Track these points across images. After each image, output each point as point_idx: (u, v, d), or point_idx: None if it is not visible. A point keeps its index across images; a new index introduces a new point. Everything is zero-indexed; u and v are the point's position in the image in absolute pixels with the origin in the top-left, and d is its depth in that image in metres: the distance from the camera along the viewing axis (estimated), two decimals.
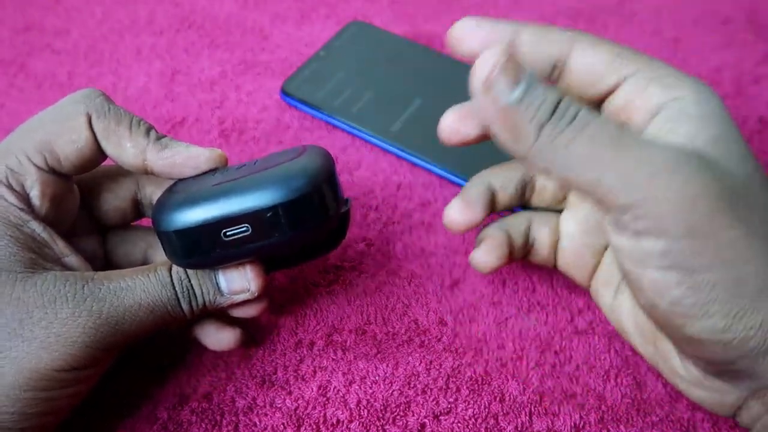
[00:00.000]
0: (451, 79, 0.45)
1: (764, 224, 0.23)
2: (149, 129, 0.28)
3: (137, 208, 0.32)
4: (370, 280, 0.36)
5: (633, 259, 0.24)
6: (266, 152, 0.42)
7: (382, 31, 0.48)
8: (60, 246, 0.27)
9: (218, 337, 0.30)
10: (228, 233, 0.25)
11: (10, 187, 0.26)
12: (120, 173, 0.31)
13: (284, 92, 0.44)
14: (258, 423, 0.30)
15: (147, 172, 0.28)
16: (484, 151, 0.40)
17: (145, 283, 0.26)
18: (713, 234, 0.22)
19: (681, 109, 0.24)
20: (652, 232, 0.22)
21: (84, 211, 0.31)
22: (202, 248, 0.26)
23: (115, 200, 0.31)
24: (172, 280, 0.27)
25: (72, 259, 0.27)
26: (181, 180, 0.28)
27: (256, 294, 0.28)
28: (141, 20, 0.52)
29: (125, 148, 0.27)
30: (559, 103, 0.23)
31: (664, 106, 0.24)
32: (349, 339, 0.33)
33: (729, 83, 0.46)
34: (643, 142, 0.23)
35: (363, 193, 0.40)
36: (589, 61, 0.25)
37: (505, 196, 0.31)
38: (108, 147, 0.27)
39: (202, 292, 0.27)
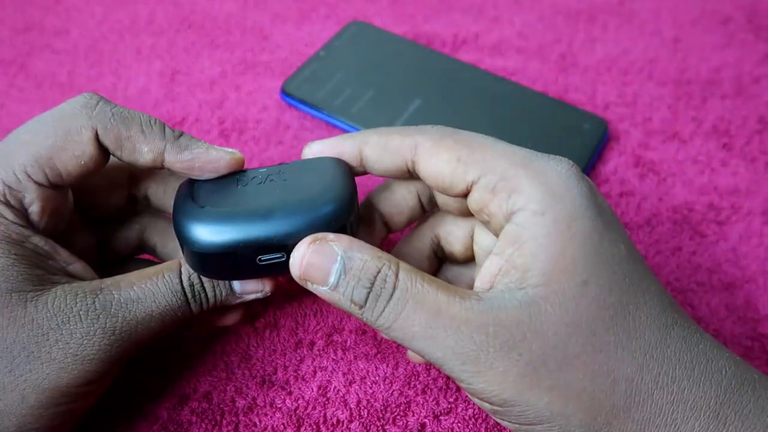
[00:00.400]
0: (451, 79, 0.45)
1: (588, 376, 0.22)
2: (163, 127, 0.27)
3: (131, 203, 0.32)
4: None
5: None
6: (266, 152, 0.42)
7: (382, 31, 0.48)
8: (63, 255, 0.27)
9: (224, 315, 0.31)
10: (263, 259, 0.25)
11: (8, 204, 0.25)
12: (113, 171, 0.30)
13: (284, 92, 0.44)
14: (258, 423, 0.30)
15: (161, 168, 0.28)
16: None
17: (155, 293, 0.26)
18: (528, 403, 0.22)
19: (518, 231, 0.23)
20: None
21: (76, 207, 0.30)
22: (232, 269, 0.26)
23: (109, 198, 0.31)
24: (182, 286, 0.27)
25: (76, 266, 0.27)
26: (198, 181, 0.28)
27: (269, 293, 0.28)
28: (141, 20, 0.52)
29: (142, 153, 0.27)
30: (377, 275, 0.23)
31: (510, 218, 0.24)
32: (349, 339, 0.33)
33: (729, 83, 0.46)
34: (464, 308, 0.22)
35: (363, 193, 0.40)
36: (433, 170, 0.25)
37: (401, 219, 0.30)
38: (123, 155, 0.27)
39: (215, 294, 0.28)
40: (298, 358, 0.32)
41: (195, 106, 0.45)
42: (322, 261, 0.23)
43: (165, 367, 0.32)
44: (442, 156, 0.25)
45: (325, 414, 0.31)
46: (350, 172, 0.28)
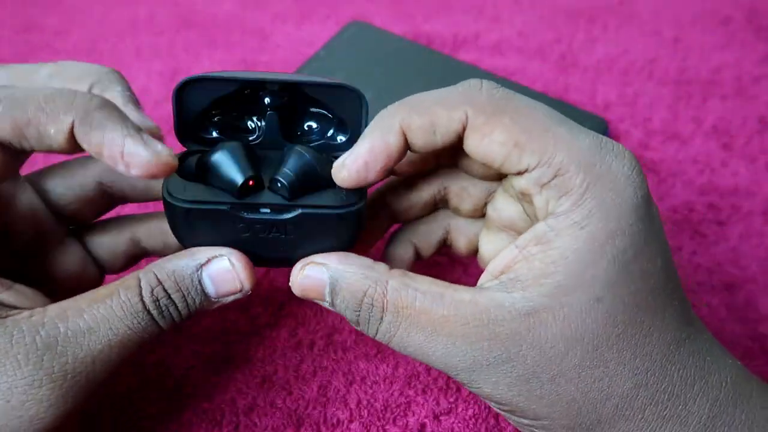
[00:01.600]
0: (451, 79, 0.45)
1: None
2: (72, 97, 0.21)
3: (106, 195, 0.28)
4: None
5: None
6: None
7: (382, 31, 0.48)
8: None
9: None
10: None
11: None
12: (73, 162, 0.27)
13: None
14: (258, 423, 0.30)
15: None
16: None
17: (111, 319, 0.22)
18: (516, 405, 0.22)
19: (549, 236, 0.21)
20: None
21: (50, 217, 0.27)
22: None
23: (72, 189, 0.27)
24: (144, 303, 0.23)
25: (8, 294, 0.23)
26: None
27: (249, 292, 0.25)
28: (141, 20, 0.52)
29: (50, 135, 0.21)
30: (363, 299, 0.23)
31: (547, 217, 0.22)
32: (349, 339, 0.33)
33: (729, 83, 0.46)
34: (460, 321, 0.22)
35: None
36: (485, 150, 0.22)
37: (428, 247, 0.29)
38: (32, 144, 0.21)
39: (188, 304, 0.24)
40: (299, 358, 0.33)
41: None
42: (313, 284, 0.24)
43: (165, 367, 0.32)
44: (497, 137, 0.22)
45: (325, 414, 0.31)
46: (365, 224, 0.26)
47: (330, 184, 0.25)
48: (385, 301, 0.22)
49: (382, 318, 0.23)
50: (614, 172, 0.21)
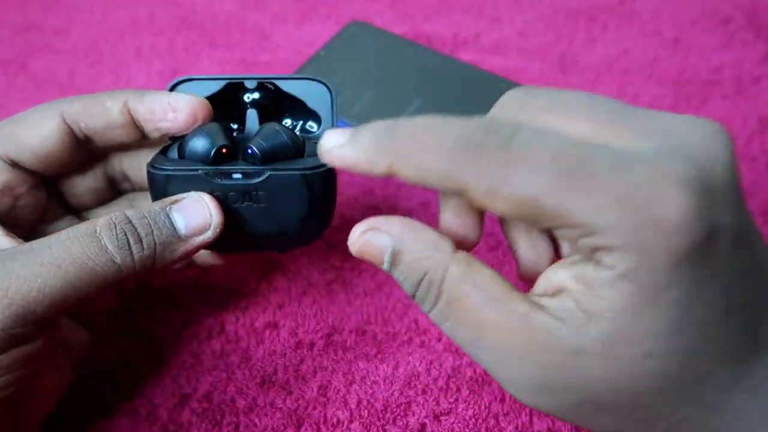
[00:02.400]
0: (451, 79, 0.45)
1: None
2: (124, 89, 0.28)
3: (112, 186, 0.31)
4: (370, 280, 0.36)
5: None
6: None
7: (382, 31, 0.48)
8: None
9: (212, 256, 0.30)
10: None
11: None
12: (86, 156, 0.30)
13: None
14: (258, 423, 0.30)
15: (137, 129, 0.28)
16: None
17: (60, 240, 0.23)
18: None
19: (595, 282, 0.19)
20: None
21: (55, 198, 0.30)
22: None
23: (84, 181, 0.30)
24: (97, 229, 0.23)
25: (3, 240, 0.26)
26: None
27: (219, 229, 0.25)
28: (141, 20, 0.52)
29: (108, 108, 0.27)
30: (422, 280, 0.21)
31: (593, 261, 0.20)
32: (349, 339, 0.33)
33: (729, 83, 0.46)
34: (508, 333, 0.21)
35: (363, 193, 0.40)
36: (496, 212, 0.20)
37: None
38: (92, 120, 0.27)
39: (152, 234, 0.24)
40: (299, 358, 0.32)
41: None
42: (373, 250, 0.22)
43: (165, 367, 0.32)
44: (500, 207, 0.20)
45: (325, 414, 0.31)
46: (334, 189, 0.28)
47: (299, 154, 0.27)
48: (442, 288, 0.21)
49: (435, 304, 0.22)
50: (657, 220, 0.18)
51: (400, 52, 0.47)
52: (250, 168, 0.25)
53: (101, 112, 0.27)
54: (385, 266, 0.22)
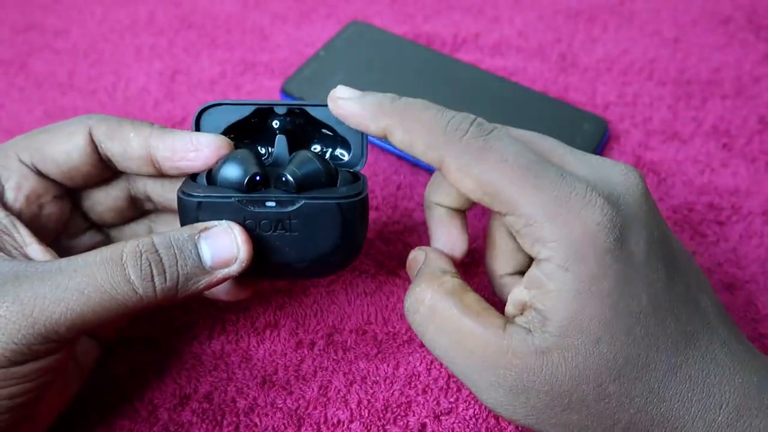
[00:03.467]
0: (451, 79, 0.45)
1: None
2: (151, 124, 0.28)
3: (135, 206, 0.31)
4: (370, 280, 0.36)
5: None
6: None
7: (382, 31, 0.48)
8: (23, 234, 0.26)
9: (235, 289, 0.30)
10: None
11: None
12: (110, 174, 0.30)
13: (284, 92, 0.44)
14: (259, 423, 0.30)
15: (152, 167, 0.28)
16: None
17: (86, 264, 0.23)
18: (531, 427, 0.24)
19: (542, 279, 0.23)
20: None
21: (78, 212, 0.31)
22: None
23: (107, 199, 0.30)
24: (123, 256, 0.23)
25: (35, 248, 0.26)
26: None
27: (245, 264, 0.25)
28: (141, 20, 0.52)
29: (129, 139, 0.27)
30: (415, 298, 0.26)
31: (535, 262, 0.24)
32: (349, 339, 0.33)
33: (729, 83, 0.46)
34: (481, 343, 0.24)
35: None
36: (460, 189, 0.24)
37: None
38: (112, 146, 0.27)
39: (177, 264, 0.24)
40: (299, 358, 0.32)
41: (195, 106, 0.45)
42: (410, 264, 0.29)
43: (165, 367, 0.32)
44: (467, 185, 0.24)
45: (325, 414, 0.31)
46: (367, 218, 0.28)
47: (332, 182, 0.27)
48: (423, 302, 0.25)
49: (417, 312, 0.25)
50: (584, 219, 0.22)
51: (400, 52, 0.47)
52: (284, 196, 0.25)
53: (122, 140, 0.27)
54: (413, 279, 0.27)
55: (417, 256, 0.28)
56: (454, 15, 0.52)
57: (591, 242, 0.22)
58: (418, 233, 0.38)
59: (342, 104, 0.26)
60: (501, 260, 0.29)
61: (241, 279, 0.29)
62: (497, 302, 0.32)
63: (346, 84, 0.42)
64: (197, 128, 0.29)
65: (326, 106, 0.28)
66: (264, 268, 0.26)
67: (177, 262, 0.24)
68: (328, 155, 0.30)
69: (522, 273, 0.29)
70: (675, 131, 0.44)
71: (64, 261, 0.23)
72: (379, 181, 0.40)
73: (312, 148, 0.30)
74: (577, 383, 0.23)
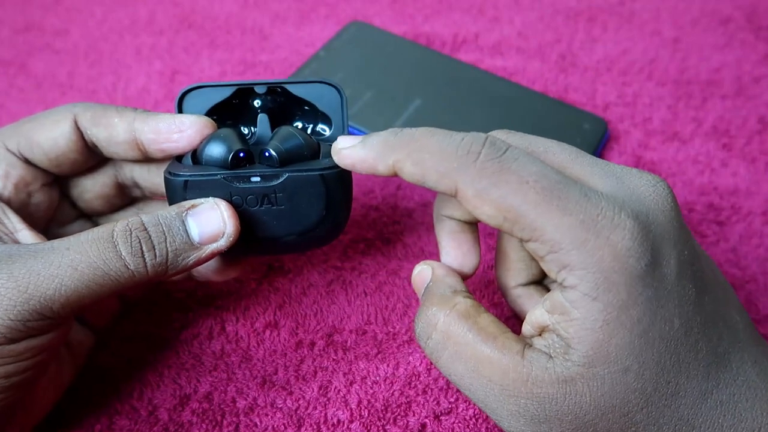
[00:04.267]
0: (451, 79, 0.45)
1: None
2: (135, 108, 0.28)
3: (123, 193, 0.32)
4: (370, 280, 0.36)
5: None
6: None
7: (382, 31, 0.48)
8: (13, 221, 0.27)
9: (224, 267, 0.30)
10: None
11: None
12: (97, 163, 0.31)
13: None
14: (259, 423, 0.30)
15: (138, 150, 0.28)
16: None
17: (78, 242, 0.23)
18: None
19: (567, 307, 0.22)
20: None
21: (67, 201, 0.31)
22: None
23: (95, 186, 0.31)
24: (114, 234, 0.24)
25: (25, 233, 0.27)
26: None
27: (232, 238, 0.25)
28: (141, 20, 0.52)
29: (114, 124, 0.27)
30: (428, 322, 0.25)
31: (560, 288, 0.22)
32: (349, 339, 0.33)
33: (729, 83, 0.46)
34: (500, 370, 0.23)
35: (363, 193, 0.40)
36: (479, 217, 0.23)
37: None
38: (97, 132, 0.27)
39: (166, 242, 0.24)
40: (299, 359, 0.33)
41: None
42: (417, 283, 0.27)
43: (165, 367, 0.32)
44: (486, 211, 0.22)
45: (325, 414, 0.31)
46: (350, 190, 0.28)
47: (314, 156, 0.27)
48: (436, 326, 0.24)
49: (430, 336, 0.24)
50: (613, 244, 0.21)
51: (400, 52, 0.47)
52: (268, 171, 0.26)
53: (107, 125, 0.28)
54: (422, 299, 0.26)
55: (423, 271, 0.27)
56: (453, 15, 0.52)
57: (621, 269, 0.21)
58: (418, 233, 0.38)
59: (346, 154, 0.25)
60: (513, 272, 0.28)
61: (229, 256, 0.30)
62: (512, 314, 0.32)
63: (346, 84, 0.42)
64: (180, 111, 0.29)
65: (305, 82, 0.28)
66: (252, 244, 0.27)
67: (165, 238, 0.24)
68: (309, 131, 0.31)
69: (536, 283, 0.28)
70: (675, 131, 0.44)
71: (56, 241, 0.24)
72: (379, 181, 0.40)
73: (294, 125, 0.31)
74: (603, 413, 0.22)
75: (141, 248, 0.24)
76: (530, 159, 0.22)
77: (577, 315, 0.21)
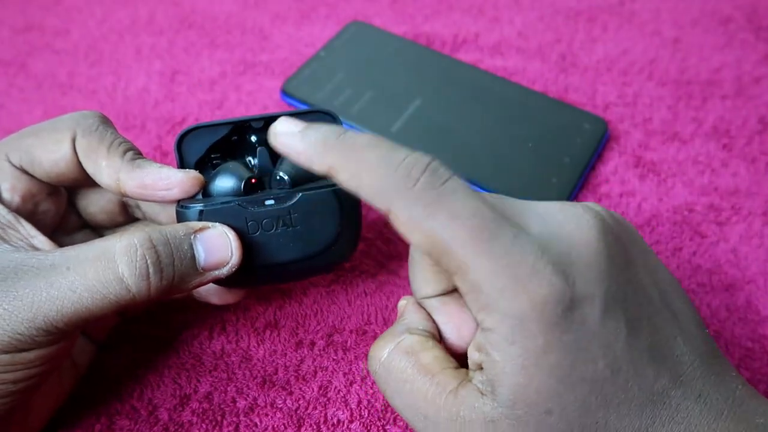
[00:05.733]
0: (451, 79, 0.45)
1: None
2: (127, 150, 0.27)
3: (126, 212, 0.32)
4: (370, 280, 0.36)
5: None
6: None
7: (382, 31, 0.48)
8: (27, 228, 0.27)
9: (224, 294, 0.30)
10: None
11: None
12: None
13: (284, 92, 0.44)
14: (259, 423, 0.30)
15: (123, 195, 0.27)
16: (484, 151, 0.40)
17: (78, 261, 0.23)
18: None
19: (488, 348, 0.22)
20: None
21: (74, 211, 0.31)
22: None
23: (101, 200, 0.31)
24: (116, 253, 0.23)
25: (40, 240, 0.26)
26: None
27: (233, 269, 0.25)
28: (141, 20, 0.52)
29: (101, 166, 0.27)
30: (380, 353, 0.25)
31: (482, 329, 0.22)
32: (349, 339, 0.33)
33: (729, 83, 0.46)
34: (434, 408, 0.23)
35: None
36: (407, 238, 0.22)
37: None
38: (88, 165, 0.27)
39: (174, 263, 0.24)
40: (299, 359, 0.32)
41: (195, 106, 0.45)
42: (398, 311, 0.27)
43: (165, 367, 0.32)
44: (416, 238, 0.22)
45: (325, 414, 0.31)
46: (360, 206, 0.28)
47: (324, 177, 0.27)
48: (382, 357, 0.24)
49: (376, 370, 0.25)
50: (531, 292, 0.21)
51: (400, 52, 0.47)
52: (281, 192, 0.26)
53: (96, 164, 0.27)
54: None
55: (401, 305, 0.27)
56: (454, 15, 0.52)
57: (537, 317, 0.21)
58: None
59: (282, 140, 0.24)
60: (428, 281, 0.26)
61: (246, 284, 0.30)
62: None
63: (346, 84, 0.41)
64: (179, 154, 0.29)
65: (300, 113, 0.28)
66: (272, 269, 0.27)
67: (173, 261, 0.24)
68: None
69: (452, 292, 0.27)
70: (675, 131, 0.44)
71: (57, 254, 0.24)
72: None
73: None
74: None
75: (147, 270, 0.23)
76: (468, 194, 0.22)
77: (497, 357, 0.21)
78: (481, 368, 0.22)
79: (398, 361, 0.24)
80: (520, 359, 0.21)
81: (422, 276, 0.26)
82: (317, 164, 0.23)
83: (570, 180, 0.39)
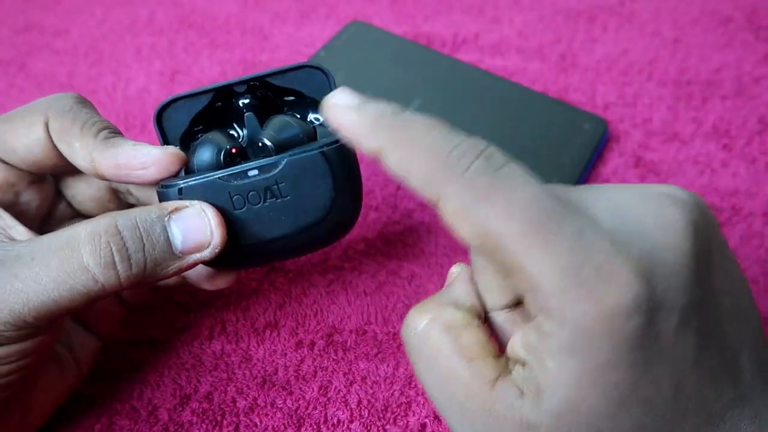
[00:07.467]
0: (451, 79, 0.45)
1: None
2: (101, 129, 0.25)
3: (117, 198, 0.30)
4: (370, 280, 0.36)
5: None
6: None
7: (382, 31, 0.48)
8: (4, 218, 0.25)
9: (215, 279, 0.28)
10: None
11: None
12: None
13: None
14: (259, 423, 0.30)
15: (101, 177, 0.25)
16: None
17: (42, 251, 0.22)
18: None
19: (542, 356, 0.19)
20: None
21: (63, 200, 0.30)
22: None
23: (89, 189, 0.29)
24: (80, 241, 0.22)
25: (19, 230, 0.25)
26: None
27: (218, 249, 0.23)
28: (141, 20, 0.52)
29: (74, 148, 0.25)
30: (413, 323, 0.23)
31: (536, 329, 0.20)
32: (349, 339, 0.33)
33: (729, 83, 0.46)
34: (469, 396, 0.21)
35: (363, 193, 0.40)
36: (457, 230, 0.20)
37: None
38: (62, 148, 0.25)
39: (144, 249, 0.22)
40: (299, 359, 0.32)
41: None
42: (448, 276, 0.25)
43: (165, 367, 0.32)
44: (465, 229, 0.19)
45: (325, 414, 0.31)
46: (357, 167, 0.26)
47: (312, 140, 0.25)
48: (419, 327, 0.22)
49: (410, 338, 0.22)
50: (599, 299, 0.18)
51: (400, 52, 0.47)
52: (264, 161, 0.24)
53: (70, 145, 0.25)
54: None
55: (452, 272, 0.24)
56: (454, 15, 0.52)
57: (605, 330, 0.18)
58: (418, 233, 0.38)
59: (335, 114, 0.22)
60: (495, 290, 0.23)
61: (238, 265, 0.28)
62: None
63: (346, 84, 0.41)
64: (160, 129, 0.27)
65: (286, 71, 0.26)
66: (263, 247, 0.25)
67: (144, 246, 0.22)
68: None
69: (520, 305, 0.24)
70: (675, 132, 0.44)
71: (24, 244, 0.22)
72: (379, 181, 0.40)
73: None
74: None
75: (113, 258, 0.22)
76: (527, 180, 0.19)
77: (551, 366, 0.19)
78: (524, 364, 0.20)
79: (436, 335, 0.21)
80: (577, 373, 0.18)
81: (485, 283, 0.23)
82: (365, 144, 0.21)
83: (570, 180, 0.39)
